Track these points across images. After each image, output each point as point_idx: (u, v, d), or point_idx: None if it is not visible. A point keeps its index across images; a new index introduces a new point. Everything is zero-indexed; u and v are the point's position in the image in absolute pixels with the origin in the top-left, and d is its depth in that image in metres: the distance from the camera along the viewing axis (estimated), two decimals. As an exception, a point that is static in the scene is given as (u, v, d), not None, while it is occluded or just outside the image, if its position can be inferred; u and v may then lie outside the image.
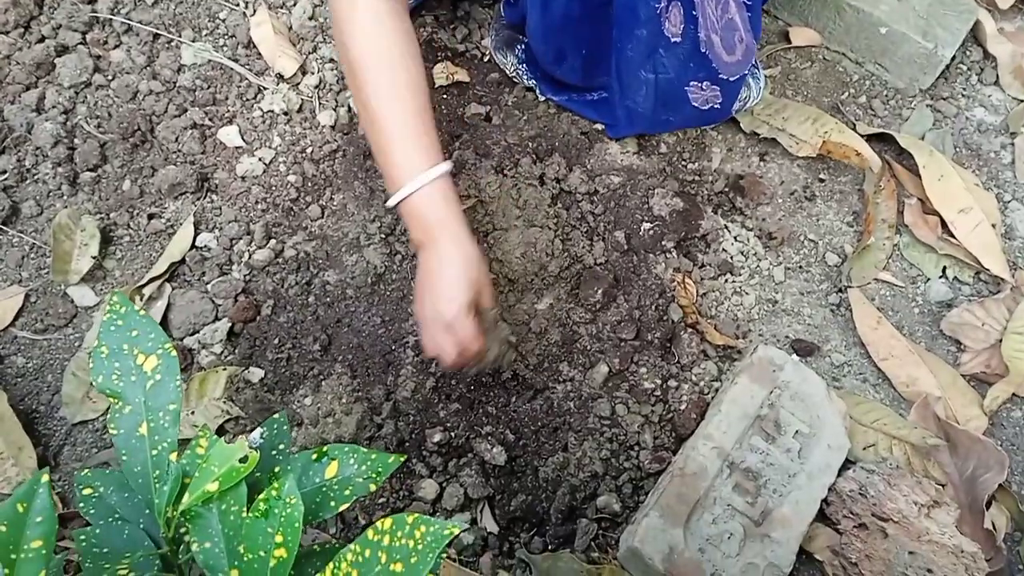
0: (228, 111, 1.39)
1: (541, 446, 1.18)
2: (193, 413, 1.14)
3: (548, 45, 1.28)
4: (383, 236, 1.29)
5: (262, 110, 1.39)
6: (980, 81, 1.56)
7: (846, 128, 1.42)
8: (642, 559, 1.04)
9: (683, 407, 1.19)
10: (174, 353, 0.57)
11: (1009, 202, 1.42)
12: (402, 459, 0.59)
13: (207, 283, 1.25)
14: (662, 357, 1.23)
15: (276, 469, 0.59)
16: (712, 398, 1.20)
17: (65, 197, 1.29)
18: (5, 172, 1.29)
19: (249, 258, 1.27)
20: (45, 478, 0.49)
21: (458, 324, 1.01)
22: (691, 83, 1.24)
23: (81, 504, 0.61)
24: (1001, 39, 1.58)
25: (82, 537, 0.59)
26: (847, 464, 1.13)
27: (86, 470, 0.62)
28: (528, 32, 1.29)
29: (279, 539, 0.51)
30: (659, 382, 1.20)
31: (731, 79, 1.24)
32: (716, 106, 1.29)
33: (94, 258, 1.23)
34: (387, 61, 1.03)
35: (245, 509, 0.53)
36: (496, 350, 1.10)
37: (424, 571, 0.47)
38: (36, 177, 1.30)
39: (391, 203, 1.04)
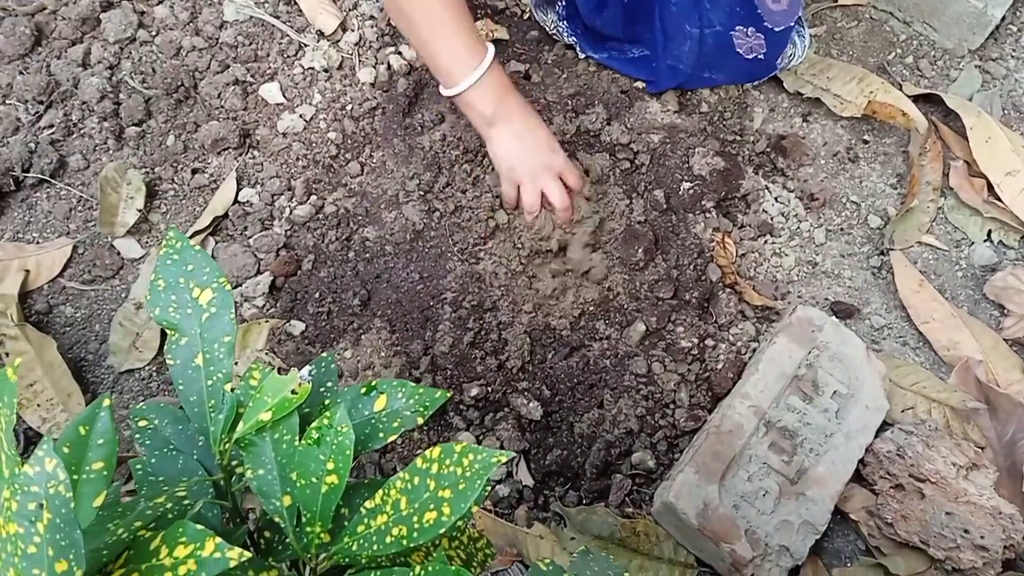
0: (269, 68, 1.39)
1: (577, 402, 1.19)
2: (236, 364, 1.16)
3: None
4: (422, 193, 1.30)
5: (303, 67, 1.40)
6: (1032, 42, 1.52)
7: (892, 88, 1.39)
8: (676, 514, 1.04)
9: (720, 366, 1.19)
10: (228, 287, 0.58)
11: (1058, 166, 1.39)
12: (448, 395, 0.60)
13: (249, 237, 1.26)
14: (700, 317, 1.23)
15: (326, 403, 0.60)
16: (749, 358, 1.20)
17: (111, 151, 1.31)
18: (52, 126, 1.31)
19: (290, 213, 1.29)
20: (107, 402, 0.50)
21: (567, 166, 1.16)
22: (736, 28, 1.22)
23: (137, 436, 0.63)
24: (1055, -1, 1.54)
25: (138, 466, 0.61)
26: (884, 426, 1.13)
27: (141, 404, 0.64)
28: None
29: (330, 466, 0.52)
30: (696, 341, 1.20)
31: (776, 29, 1.23)
32: (760, 56, 1.27)
33: (139, 211, 1.25)
34: None
35: (297, 438, 0.55)
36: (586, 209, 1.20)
37: (472, 497, 0.48)
38: (82, 131, 1.32)
39: (448, 93, 1.12)
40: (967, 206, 1.33)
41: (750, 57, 1.28)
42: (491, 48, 1.10)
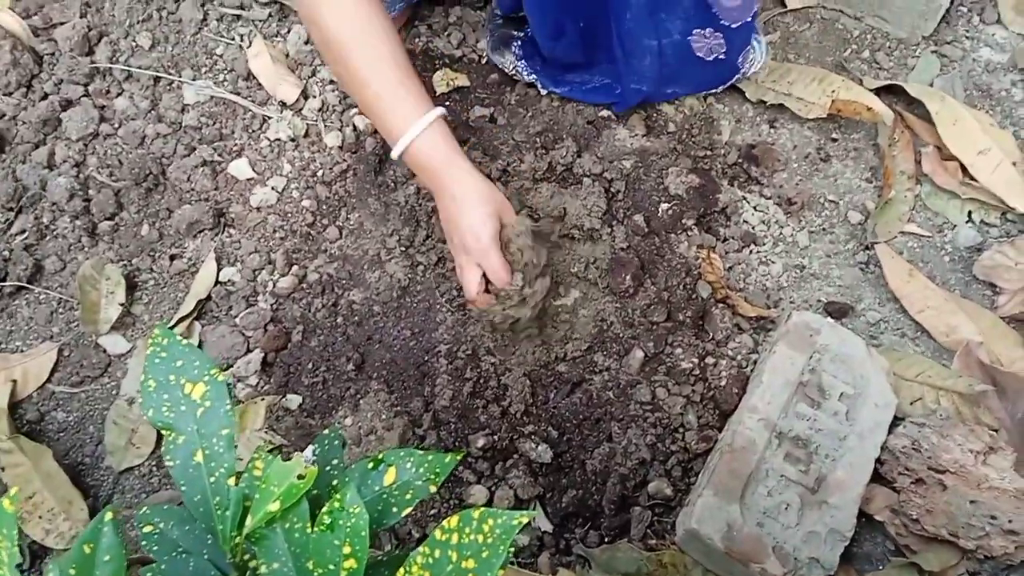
0: (236, 144, 1.39)
1: (585, 439, 1.17)
2: (236, 447, 1.14)
3: (546, 19, 1.27)
4: (403, 249, 1.29)
5: (269, 139, 1.40)
6: (982, 21, 1.54)
7: (853, 84, 1.40)
8: (701, 540, 1.03)
9: (723, 383, 1.18)
10: (221, 378, 0.57)
11: (1027, 138, 1.40)
12: (459, 456, 0.58)
13: (235, 316, 1.25)
14: (696, 335, 1.22)
15: (334, 483, 0.59)
16: (751, 371, 1.19)
17: (86, 249, 1.30)
18: (24, 231, 1.30)
19: (273, 287, 1.28)
20: (109, 516, 0.49)
21: (487, 256, 1.06)
22: (694, 32, 1.23)
23: (143, 542, 0.61)
24: (998, -24, 1.57)
25: (148, 574, 0.59)
26: (896, 421, 1.12)
27: (144, 508, 0.62)
28: (525, 9, 1.28)
29: (347, 550, 0.51)
30: (696, 361, 1.20)
31: (734, 25, 1.23)
32: (721, 56, 1.28)
33: (121, 305, 1.24)
34: (361, 30, 1.06)
35: (309, 525, 0.53)
36: (538, 286, 1.13)
37: (497, 564, 0.46)
38: (55, 233, 1.31)
39: (394, 155, 1.08)
40: (944, 190, 1.33)
41: (711, 59, 1.28)
42: (436, 110, 1.08)
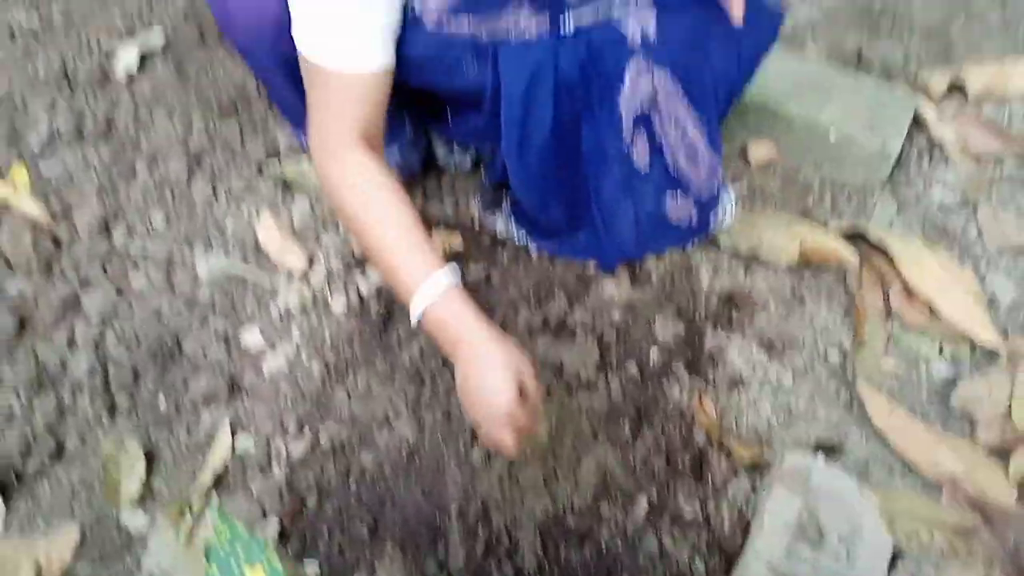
0: (247, 314, 1.47)
1: (597, 590, 1.21)
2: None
3: (530, 195, 1.38)
4: (410, 409, 1.35)
5: (279, 308, 1.48)
6: (932, 164, 1.68)
7: (818, 231, 1.51)
8: None
9: (726, 528, 1.23)
10: (277, 562, 0.62)
11: (986, 272, 1.50)
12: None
13: (251, 485, 1.30)
14: (696, 481, 1.28)
15: None
16: (751, 513, 1.24)
17: (105, 425, 1.35)
18: (45, 411, 1.35)
19: (287, 454, 1.33)
20: None
21: (513, 415, 1.05)
22: (667, 199, 1.33)
23: None
24: (942, 122, 1.71)
25: None
26: (894, 558, 1.17)
27: None
28: (511, 186, 1.39)
29: None
30: (698, 507, 1.25)
31: (701, 194, 1.34)
32: (693, 219, 1.38)
33: (141, 480, 1.28)
34: (380, 212, 1.11)
35: None
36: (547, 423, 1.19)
37: None
38: (75, 411, 1.36)
39: (413, 323, 1.11)
40: (914, 327, 1.42)
41: (684, 223, 1.39)
42: (450, 276, 1.12)
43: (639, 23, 1.11)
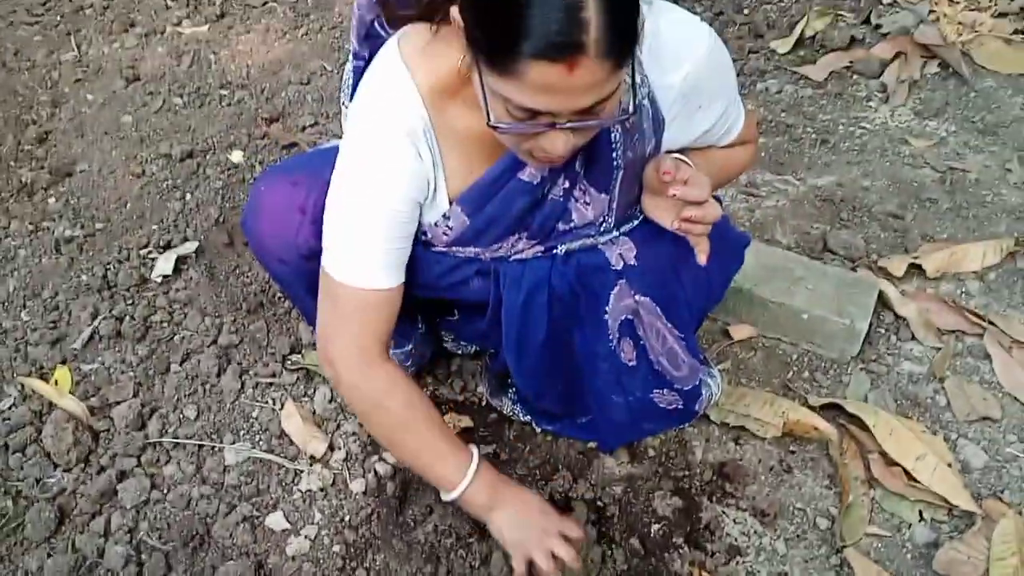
0: (272, 498, 1.57)
1: None
2: None
3: (529, 386, 1.53)
4: (427, 587, 1.43)
5: (301, 491, 1.58)
6: (899, 339, 1.84)
7: (800, 406, 1.65)
8: None
9: None
10: None
11: (956, 439, 1.63)
12: None
13: (277, 667, 1.36)
14: (700, 651, 1.34)
15: None
16: None
17: (138, 611, 1.43)
18: (82, 599, 1.43)
19: (311, 634, 1.39)
20: None
21: (564, 524, 1.28)
22: (654, 391, 1.47)
23: None
24: (905, 301, 1.89)
25: None
26: None
27: None
28: (512, 375, 1.54)
29: None
30: (704, 677, 1.31)
31: (685, 388, 1.48)
32: (680, 407, 1.52)
33: (172, 665, 1.34)
34: (402, 417, 1.29)
35: None
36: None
37: None
38: (110, 597, 1.44)
39: (450, 499, 1.31)
40: (894, 493, 1.53)
41: (671, 408, 1.52)
42: (475, 452, 1.32)
43: (620, 252, 1.30)
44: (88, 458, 1.64)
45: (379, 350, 1.27)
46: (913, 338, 1.83)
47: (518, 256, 1.31)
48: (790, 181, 2.29)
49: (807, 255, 1.97)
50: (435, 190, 1.21)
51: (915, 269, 1.97)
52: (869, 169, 2.31)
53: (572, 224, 1.27)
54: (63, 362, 1.81)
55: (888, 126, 2.47)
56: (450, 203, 1.23)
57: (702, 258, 1.21)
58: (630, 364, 1.42)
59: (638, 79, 1.09)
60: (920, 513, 1.51)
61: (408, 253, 1.26)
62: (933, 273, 1.95)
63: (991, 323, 1.82)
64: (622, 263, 1.30)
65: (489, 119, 1.00)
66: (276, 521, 1.54)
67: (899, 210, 2.17)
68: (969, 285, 1.94)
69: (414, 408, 1.29)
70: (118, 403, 1.72)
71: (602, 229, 1.30)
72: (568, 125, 0.98)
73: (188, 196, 2.24)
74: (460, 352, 1.82)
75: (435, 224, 1.26)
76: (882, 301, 1.88)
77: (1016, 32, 2.69)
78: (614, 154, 1.18)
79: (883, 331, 1.85)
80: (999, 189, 2.20)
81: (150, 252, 2.06)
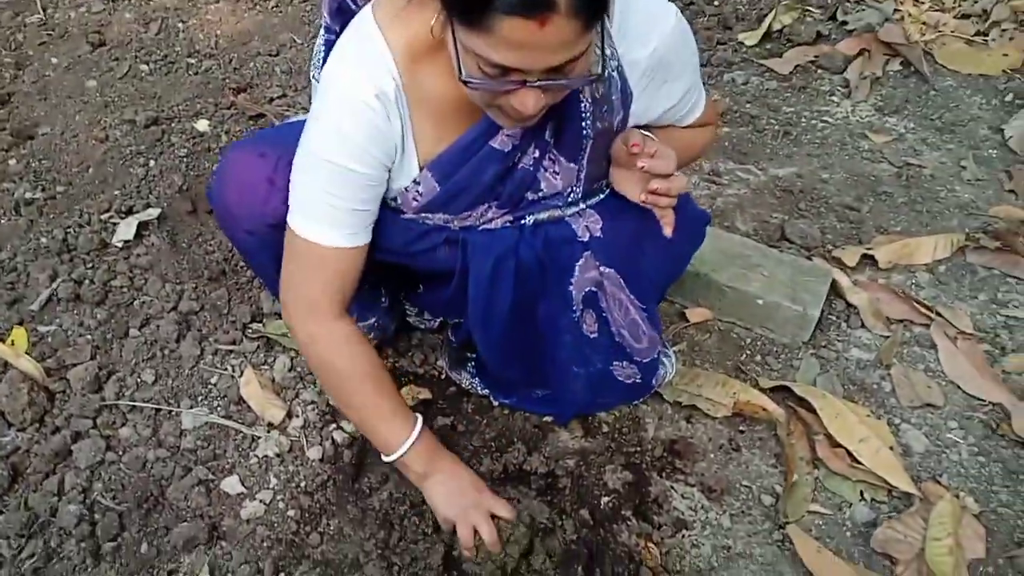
0: (228, 463, 1.58)
1: None
2: None
3: (493, 358, 1.55)
4: (379, 552, 1.45)
5: (258, 456, 1.60)
6: (849, 326, 1.89)
7: (750, 387, 1.69)
8: None
9: (672, 662, 1.32)
10: None
11: (900, 424, 1.68)
12: None
13: (227, 628, 1.37)
14: (644, 619, 1.38)
15: None
16: (695, 648, 1.34)
17: (90, 570, 1.43)
18: (34, 555, 1.43)
19: (262, 596, 1.41)
20: None
21: (492, 502, 1.34)
22: (614, 363, 1.51)
23: None
24: (856, 290, 1.94)
25: None
26: None
27: None
28: (476, 346, 1.56)
29: None
30: (646, 644, 1.35)
31: (644, 360, 1.52)
32: (638, 380, 1.55)
33: (122, 624, 1.35)
34: (351, 372, 1.33)
35: None
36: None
37: None
38: (62, 556, 1.44)
39: (388, 460, 1.36)
40: (837, 474, 1.58)
41: (629, 382, 1.56)
42: (418, 419, 1.37)
43: (587, 224, 1.33)
44: (43, 418, 1.63)
45: (336, 308, 1.29)
46: (863, 326, 1.89)
47: (487, 226, 1.33)
48: (752, 171, 2.33)
49: (765, 243, 2.02)
50: (403, 154, 1.23)
51: (868, 260, 2.03)
52: (829, 162, 2.36)
53: (541, 194, 1.29)
54: (20, 323, 1.80)
55: (849, 121, 2.53)
56: (420, 169, 1.25)
57: (668, 230, 1.25)
58: (592, 336, 1.45)
59: (608, 52, 1.12)
60: (861, 493, 1.56)
61: (374, 217, 1.27)
62: (885, 264, 2.01)
63: (938, 314, 1.88)
64: (588, 235, 1.33)
65: (461, 74, 1.02)
66: (231, 485, 1.55)
67: (855, 202, 2.22)
68: (919, 277, 2.00)
69: (363, 368, 1.33)
70: (75, 365, 1.71)
71: (569, 200, 1.32)
72: (538, 83, 1.00)
73: (152, 163, 2.22)
74: (422, 327, 1.84)
75: (405, 189, 1.27)
76: (835, 290, 1.93)
77: (978, 33, 2.76)
78: (584, 123, 1.21)
79: (834, 318, 1.91)
80: (953, 185, 2.26)
81: (111, 217, 2.05)
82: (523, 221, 1.33)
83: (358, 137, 1.17)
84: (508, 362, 1.54)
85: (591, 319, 1.43)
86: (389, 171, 1.24)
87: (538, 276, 1.36)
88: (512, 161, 1.24)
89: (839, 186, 2.27)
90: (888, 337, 1.85)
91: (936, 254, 2.03)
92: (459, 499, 1.34)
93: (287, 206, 1.26)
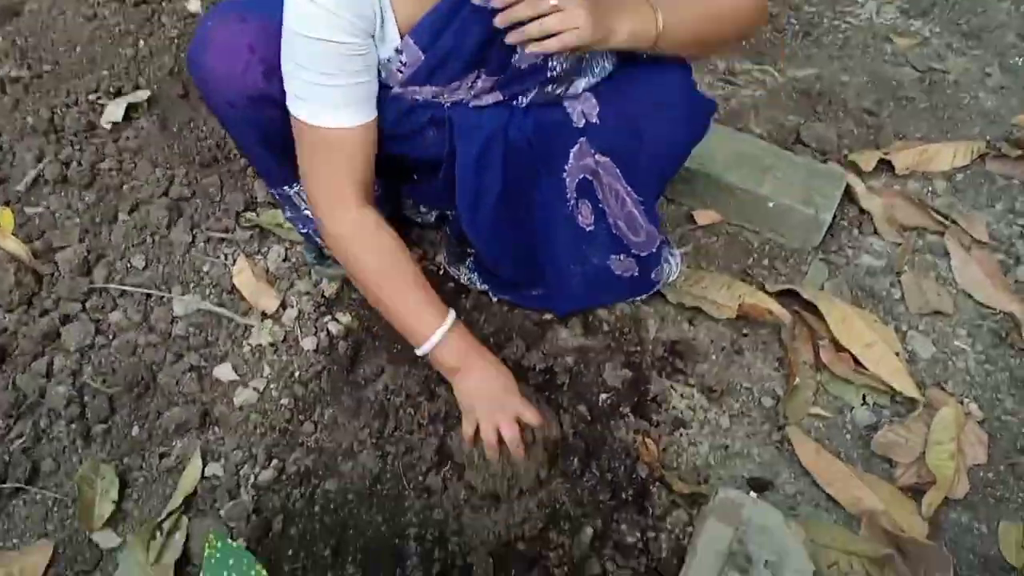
0: (221, 351, 1.55)
1: (544, 614, 1.28)
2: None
3: (486, 249, 1.50)
4: (374, 441, 1.44)
5: (251, 345, 1.56)
6: (861, 232, 1.84)
7: (756, 291, 1.65)
8: None
9: (664, 555, 1.32)
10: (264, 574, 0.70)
11: (907, 331, 1.64)
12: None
13: (220, 509, 1.36)
14: (638, 512, 1.37)
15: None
16: (687, 542, 1.33)
17: (80, 451, 1.42)
18: (22, 436, 1.41)
19: (255, 480, 1.40)
20: None
21: (521, 407, 1.28)
22: (611, 256, 1.46)
23: None
24: (870, 196, 1.88)
25: None
26: (817, 583, 1.27)
27: None
28: (471, 241, 1.51)
29: None
30: (639, 535, 1.34)
31: (642, 254, 1.47)
32: (635, 274, 1.51)
33: (114, 502, 1.34)
34: (380, 265, 1.28)
35: None
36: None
37: None
38: (51, 436, 1.42)
39: (420, 353, 1.29)
40: (840, 378, 1.55)
41: (628, 276, 1.51)
42: (451, 313, 1.30)
43: (583, 109, 1.25)
44: (31, 300, 1.60)
45: (358, 193, 1.24)
46: (875, 232, 1.83)
47: (476, 102, 1.26)
48: (769, 71, 2.24)
49: (779, 146, 1.94)
50: (383, 21, 1.15)
51: (884, 165, 1.96)
52: (849, 64, 2.26)
53: (525, 61, 1.21)
54: (6, 203, 1.74)
55: (873, 23, 2.41)
56: (401, 36, 1.18)
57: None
58: (588, 229, 1.40)
59: None
60: (863, 397, 1.54)
61: (373, 90, 1.20)
62: (902, 170, 1.94)
63: (953, 222, 1.82)
64: (584, 120, 1.26)
65: None
66: (224, 372, 1.53)
67: (875, 107, 2.13)
68: (936, 184, 1.93)
69: (392, 256, 1.27)
70: (63, 248, 1.67)
71: (557, 74, 1.24)
72: None
73: (141, 43, 2.12)
74: (420, 220, 1.78)
75: (388, 60, 1.20)
76: (848, 194, 1.86)
77: (1012, -66, 2.61)
78: None
79: (846, 224, 1.85)
80: (977, 92, 2.17)
81: (99, 98, 1.97)
82: (515, 102, 1.26)
83: (328, 3, 1.09)
84: (501, 256, 1.49)
85: (587, 210, 1.38)
86: (373, 39, 1.16)
87: (529, 158, 1.30)
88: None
89: (859, 90, 2.18)
90: (900, 244, 1.80)
91: (955, 161, 1.96)
92: (487, 398, 1.29)
93: (267, 79, 1.20)
